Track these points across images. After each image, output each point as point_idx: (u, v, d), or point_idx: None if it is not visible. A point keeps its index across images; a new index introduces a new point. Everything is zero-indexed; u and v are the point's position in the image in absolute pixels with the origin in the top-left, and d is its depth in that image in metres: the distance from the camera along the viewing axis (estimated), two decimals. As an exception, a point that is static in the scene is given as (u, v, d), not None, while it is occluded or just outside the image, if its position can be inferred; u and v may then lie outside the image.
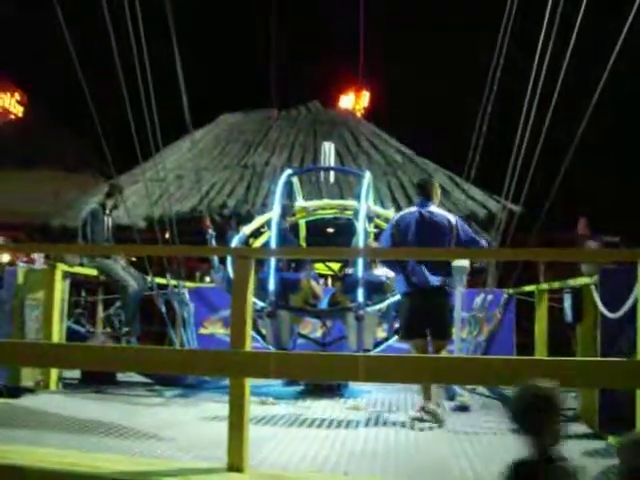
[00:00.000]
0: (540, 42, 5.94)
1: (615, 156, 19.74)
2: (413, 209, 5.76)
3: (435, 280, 5.43)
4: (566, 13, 5.53)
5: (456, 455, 4.32)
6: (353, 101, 24.26)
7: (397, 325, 7.02)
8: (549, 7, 5.67)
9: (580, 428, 5.31)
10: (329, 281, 10.07)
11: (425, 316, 5.50)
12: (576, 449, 4.58)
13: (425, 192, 5.78)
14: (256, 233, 7.68)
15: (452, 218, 5.61)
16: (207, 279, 14.30)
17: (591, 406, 5.29)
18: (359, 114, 22.21)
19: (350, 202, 8.51)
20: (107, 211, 7.47)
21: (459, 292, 7.31)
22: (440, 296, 5.53)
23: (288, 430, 4.90)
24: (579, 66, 6.53)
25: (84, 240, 7.31)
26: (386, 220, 7.56)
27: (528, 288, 7.97)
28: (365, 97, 24.39)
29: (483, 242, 6.00)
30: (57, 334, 6.48)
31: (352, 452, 4.33)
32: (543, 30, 5.85)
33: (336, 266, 8.39)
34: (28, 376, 6.32)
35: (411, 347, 5.65)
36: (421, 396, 5.35)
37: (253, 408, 3.72)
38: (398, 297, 6.50)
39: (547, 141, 6.21)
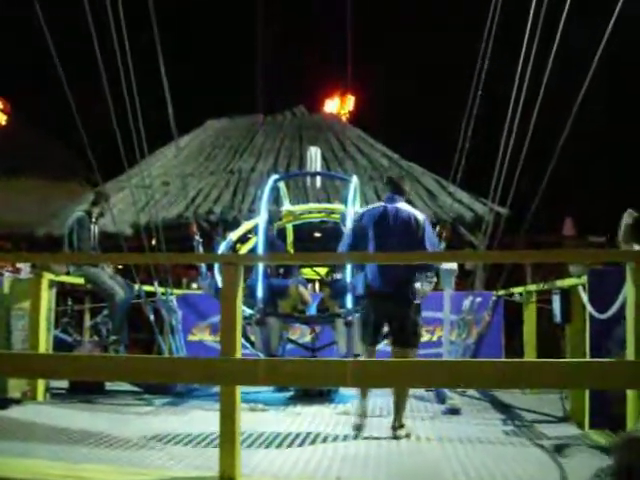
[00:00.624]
0: (524, 45, 5.97)
1: (600, 157, 19.89)
2: (379, 204, 5.52)
3: (395, 283, 5.16)
4: (551, 13, 5.56)
5: (448, 458, 4.32)
6: (338, 105, 24.27)
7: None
8: (532, 9, 5.70)
9: (570, 429, 5.34)
10: (316, 286, 10.06)
11: (383, 321, 5.33)
12: (567, 450, 4.61)
13: (394, 187, 5.51)
14: (243, 239, 7.65)
15: (420, 216, 5.32)
16: (194, 286, 14.26)
17: (581, 406, 5.31)
18: (344, 118, 22.24)
19: (337, 205, 8.51)
20: (93, 219, 7.42)
21: (447, 294, 7.35)
22: (401, 299, 5.20)
23: (279, 436, 4.87)
24: (565, 68, 6.58)
25: (70, 248, 7.26)
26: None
27: (516, 290, 8.00)
28: (350, 101, 24.41)
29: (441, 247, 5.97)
30: (44, 344, 6.42)
31: (344, 457, 4.32)
32: (527, 33, 5.88)
33: (323, 271, 8.39)
34: (15, 387, 6.26)
35: (364, 355, 5.42)
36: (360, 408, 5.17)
37: (243, 415, 3.69)
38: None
39: (532, 142, 6.24)
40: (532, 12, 5.70)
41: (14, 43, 22.76)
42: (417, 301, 5.27)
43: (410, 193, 5.76)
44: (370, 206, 5.61)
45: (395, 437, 4.90)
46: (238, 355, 3.53)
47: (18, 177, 20.62)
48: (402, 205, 5.33)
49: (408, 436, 4.94)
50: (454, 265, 7.29)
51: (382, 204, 5.43)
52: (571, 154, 5.99)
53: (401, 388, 4.88)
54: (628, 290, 3.40)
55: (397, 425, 5.01)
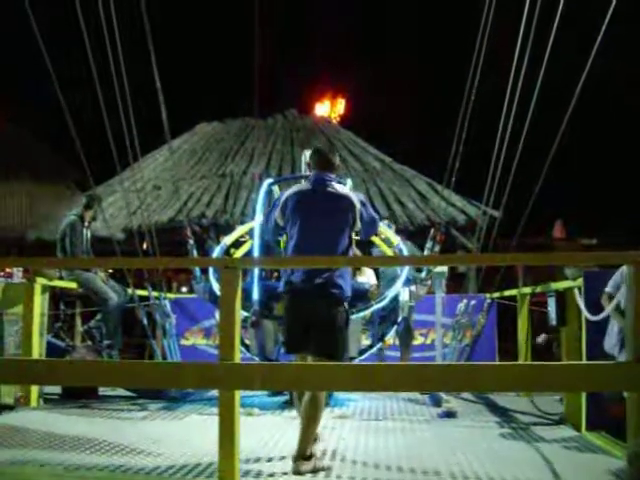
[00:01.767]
0: (517, 48, 5.99)
1: (589, 159, 20.00)
2: (305, 184, 4.62)
3: (320, 279, 4.24)
4: (546, 13, 5.58)
5: (446, 462, 4.31)
6: (329, 108, 24.28)
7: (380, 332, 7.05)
8: (526, 10, 5.71)
9: (566, 431, 5.35)
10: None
11: (304, 325, 4.27)
12: (564, 452, 4.61)
13: (322, 162, 4.58)
14: (237, 243, 7.62)
15: (353, 197, 4.48)
16: (184, 289, 14.21)
17: (577, 408, 5.32)
18: (335, 121, 22.24)
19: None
20: (86, 223, 7.38)
21: (439, 297, 7.36)
22: (325, 298, 4.25)
23: (277, 441, 4.85)
24: (558, 70, 6.61)
25: (63, 253, 7.21)
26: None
27: (509, 292, 8.02)
28: (341, 104, 24.42)
29: (379, 222, 4.98)
30: (37, 349, 6.36)
31: (343, 460, 4.31)
32: (520, 36, 5.90)
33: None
34: (8, 393, 6.20)
35: None
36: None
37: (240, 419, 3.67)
38: (383, 303, 6.51)
39: (524, 146, 6.27)
40: (526, 11, 5.71)
41: (1, 45, 22.64)
42: (347, 299, 4.38)
43: (341, 167, 4.82)
44: (294, 188, 4.62)
45: (296, 472, 4.00)
46: (237, 359, 3.51)
47: (7, 180, 20.50)
48: (332, 184, 4.48)
49: (315, 472, 4.03)
50: (444, 268, 7.30)
51: (309, 184, 4.58)
52: (561, 155, 6.01)
53: (309, 413, 4.11)
54: (627, 292, 3.40)
55: (297, 456, 4.09)
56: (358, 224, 4.46)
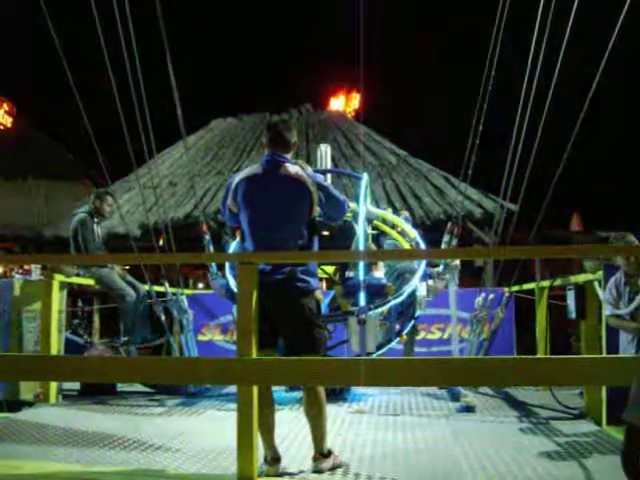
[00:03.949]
0: (534, 36, 5.91)
1: (608, 151, 19.82)
2: (257, 167, 4.17)
3: (280, 275, 3.91)
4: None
5: (466, 456, 4.28)
6: (344, 103, 24.21)
7: (398, 327, 7.02)
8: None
9: (587, 425, 5.29)
10: (323, 284, 10.02)
11: (270, 320, 3.86)
12: (585, 446, 4.56)
13: (274, 141, 4.14)
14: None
15: (308, 178, 4.04)
16: (200, 285, 14.26)
17: (597, 403, 5.27)
18: (349, 116, 22.18)
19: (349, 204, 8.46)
20: (95, 219, 7.39)
21: (452, 291, 7.31)
22: (287, 286, 3.92)
23: (294, 437, 4.83)
24: (580, 59, 6.52)
25: (77, 250, 7.23)
26: (384, 221, 7.53)
27: (527, 286, 7.95)
28: (356, 99, 24.34)
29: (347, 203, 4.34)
30: (55, 345, 6.40)
31: (361, 457, 4.28)
32: (537, 25, 5.82)
33: (331, 269, 8.34)
34: (27, 389, 6.25)
35: None
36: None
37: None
38: (401, 299, 6.48)
39: (541, 139, 6.20)
40: None
41: (18, 46, 22.78)
42: (314, 289, 4.04)
43: (297, 145, 4.31)
44: (246, 171, 4.20)
45: (315, 471, 3.91)
46: (254, 354, 3.50)
47: (24, 179, 20.68)
48: (285, 166, 4.07)
49: (334, 469, 3.95)
50: (457, 261, 7.25)
51: (261, 167, 4.14)
52: (579, 150, 5.94)
53: (312, 411, 3.97)
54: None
55: (315, 455, 3.99)
56: (317, 209, 4.05)
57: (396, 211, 9.58)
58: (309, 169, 4.19)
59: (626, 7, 4.90)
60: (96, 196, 7.58)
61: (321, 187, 4.07)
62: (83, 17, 6.05)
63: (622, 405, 4.90)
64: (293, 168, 4.08)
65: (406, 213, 8.75)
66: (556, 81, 5.83)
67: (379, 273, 7.16)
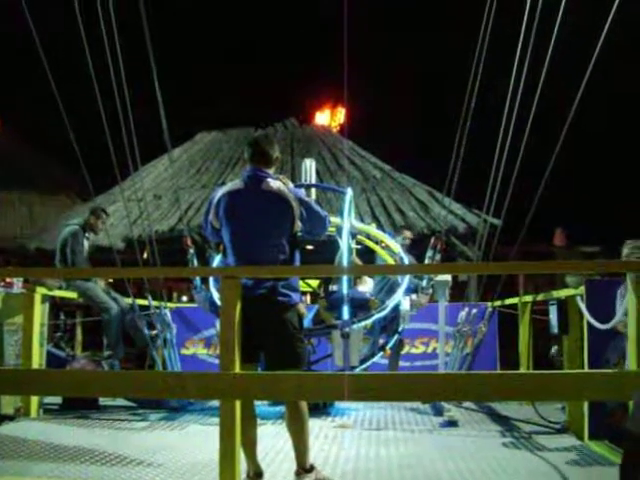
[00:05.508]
0: (517, 55, 5.99)
1: (591, 167, 20.02)
2: (238, 182, 4.17)
3: (262, 289, 3.89)
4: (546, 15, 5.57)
5: (449, 471, 4.29)
6: (329, 118, 24.28)
7: (382, 341, 7.03)
8: (525, 20, 5.71)
9: (569, 440, 5.32)
10: (308, 298, 10.02)
11: (253, 334, 3.76)
12: (564, 461, 4.58)
13: (256, 156, 4.13)
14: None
15: (289, 194, 4.01)
16: (184, 298, 14.20)
17: (579, 417, 5.30)
18: (335, 130, 22.26)
19: (332, 218, 8.46)
20: (87, 234, 7.36)
21: (442, 306, 7.34)
22: (269, 301, 3.89)
23: (277, 451, 4.83)
24: (559, 75, 6.60)
25: (63, 262, 7.19)
26: (367, 236, 7.56)
27: (510, 301, 7.99)
28: (341, 114, 24.42)
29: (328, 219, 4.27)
30: (37, 359, 6.35)
31: (344, 472, 4.28)
32: (519, 47, 5.90)
33: (315, 283, 8.36)
34: (8, 403, 6.18)
35: None
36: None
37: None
38: (384, 313, 6.50)
39: (524, 153, 6.25)
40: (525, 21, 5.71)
41: (3, 58, 22.72)
42: (296, 302, 4.01)
43: (280, 159, 4.32)
44: (227, 186, 4.20)
45: None
46: (237, 369, 3.49)
47: (9, 191, 20.53)
48: (266, 181, 4.04)
49: None
50: (448, 276, 7.28)
51: (240, 183, 4.14)
52: (562, 163, 5.99)
53: (295, 425, 3.93)
54: (629, 301, 3.38)
55: (298, 470, 3.94)
56: (298, 224, 4.03)
57: (381, 228, 9.62)
58: (290, 184, 4.20)
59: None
60: (91, 212, 7.56)
61: (303, 202, 4.06)
62: (70, 30, 6.06)
63: (604, 419, 4.96)
64: (275, 183, 4.06)
65: (407, 233, 8.66)
66: (539, 94, 5.89)
67: (364, 287, 7.20)
